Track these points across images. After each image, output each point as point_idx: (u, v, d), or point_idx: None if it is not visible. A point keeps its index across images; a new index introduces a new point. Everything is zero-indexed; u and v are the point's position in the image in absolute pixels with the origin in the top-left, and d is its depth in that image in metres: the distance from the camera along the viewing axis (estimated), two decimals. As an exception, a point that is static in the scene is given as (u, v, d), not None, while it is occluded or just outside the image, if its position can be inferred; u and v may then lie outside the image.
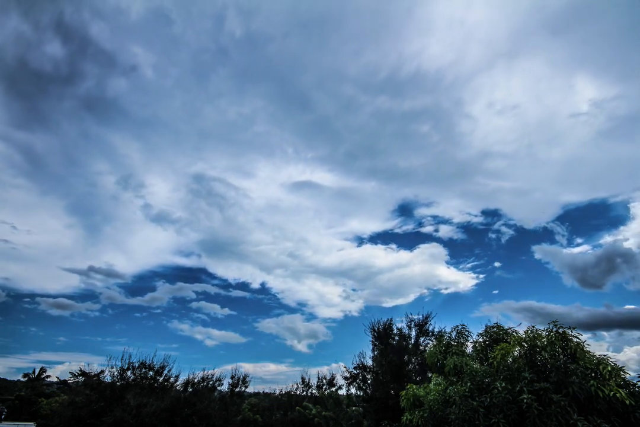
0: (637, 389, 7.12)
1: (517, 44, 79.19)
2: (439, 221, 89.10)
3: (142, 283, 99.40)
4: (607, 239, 77.84)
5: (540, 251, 79.43)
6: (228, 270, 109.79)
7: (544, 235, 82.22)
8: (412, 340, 16.88)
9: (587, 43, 72.41)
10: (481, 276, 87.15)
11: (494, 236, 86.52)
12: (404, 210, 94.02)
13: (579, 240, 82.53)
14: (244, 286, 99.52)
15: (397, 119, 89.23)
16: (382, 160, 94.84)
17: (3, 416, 41.63)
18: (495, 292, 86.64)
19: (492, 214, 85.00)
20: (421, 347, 16.46)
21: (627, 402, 6.63)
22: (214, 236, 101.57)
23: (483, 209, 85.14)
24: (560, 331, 8.16)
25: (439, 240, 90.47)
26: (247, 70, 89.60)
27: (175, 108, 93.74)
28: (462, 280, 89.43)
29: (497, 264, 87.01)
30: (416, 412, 8.94)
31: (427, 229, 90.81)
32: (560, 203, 77.85)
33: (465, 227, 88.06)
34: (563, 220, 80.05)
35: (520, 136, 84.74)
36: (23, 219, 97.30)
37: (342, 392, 20.76)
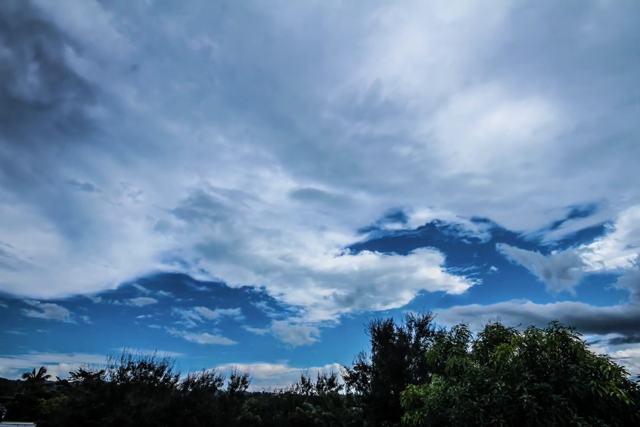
0: (637, 389, 7.12)
1: (485, 73, 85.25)
2: (431, 227, 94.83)
3: (135, 287, 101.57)
4: (582, 247, 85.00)
5: (526, 257, 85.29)
6: (223, 274, 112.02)
7: (530, 242, 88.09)
8: (412, 340, 16.88)
9: (547, 73, 78.68)
10: (473, 280, 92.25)
11: (484, 242, 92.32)
12: (396, 217, 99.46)
13: (559, 249, 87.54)
14: (240, 289, 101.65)
15: (377, 142, 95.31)
16: (368, 178, 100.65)
17: (3, 416, 41.62)
18: (487, 295, 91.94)
19: (481, 223, 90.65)
20: (421, 347, 16.45)
21: (627, 402, 6.63)
22: (209, 241, 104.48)
23: (473, 217, 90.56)
24: (560, 331, 8.16)
25: (433, 245, 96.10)
26: (232, 97, 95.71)
27: (162, 131, 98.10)
28: (455, 284, 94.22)
29: (488, 268, 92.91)
30: (416, 412, 8.93)
31: (421, 235, 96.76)
32: (545, 215, 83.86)
33: (457, 234, 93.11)
34: (548, 230, 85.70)
35: (498, 159, 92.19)
36: (8, 229, 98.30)
37: (342, 392, 20.79)
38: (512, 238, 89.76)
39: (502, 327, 10.01)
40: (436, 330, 16.61)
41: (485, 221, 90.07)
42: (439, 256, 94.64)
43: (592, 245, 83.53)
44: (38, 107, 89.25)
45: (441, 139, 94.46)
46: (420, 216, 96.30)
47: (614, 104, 72.92)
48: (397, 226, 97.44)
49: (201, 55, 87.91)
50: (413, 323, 17.17)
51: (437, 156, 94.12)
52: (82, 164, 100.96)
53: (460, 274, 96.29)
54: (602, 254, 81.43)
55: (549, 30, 72.43)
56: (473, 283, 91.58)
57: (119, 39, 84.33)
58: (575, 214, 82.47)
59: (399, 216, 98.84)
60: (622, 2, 64.79)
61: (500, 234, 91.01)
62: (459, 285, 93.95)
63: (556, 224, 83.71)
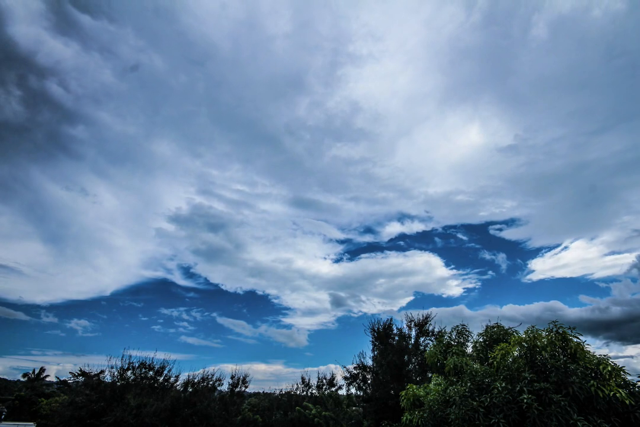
0: (637, 389, 7.12)
1: (451, 101, 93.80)
2: (426, 233, 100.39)
3: (129, 292, 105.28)
4: (563, 254, 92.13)
5: (515, 264, 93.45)
6: (218, 278, 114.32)
7: (519, 250, 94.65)
8: (412, 340, 16.89)
9: (504, 101, 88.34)
10: (469, 284, 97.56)
11: (477, 248, 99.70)
12: (389, 225, 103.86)
13: (544, 256, 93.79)
14: (236, 293, 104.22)
15: (358, 162, 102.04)
16: (355, 193, 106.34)
17: (3, 416, 41.58)
18: (480, 298, 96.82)
19: (472, 232, 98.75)
20: (421, 347, 16.45)
21: (627, 402, 6.62)
22: (204, 247, 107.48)
23: (465, 224, 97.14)
24: (560, 331, 8.17)
25: (428, 251, 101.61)
26: (220, 121, 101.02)
27: (150, 150, 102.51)
28: (451, 287, 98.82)
29: (482, 273, 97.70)
30: (416, 412, 8.93)
31: (415, 241, 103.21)
32: (532, 226, 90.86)
33: (450, 241, 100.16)
34: (535, 239, 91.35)
35: (478, 179, 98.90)
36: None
37: (342, 392, 20.80)
38: (503, 246, 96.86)
39: (502, 327, 10.03)
40: (436, 330, 16.63)
41: (475, 230, 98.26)
42: (434, 261, 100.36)
43: (573, 252, 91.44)
44: (22, 129, 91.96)
45: (418, 161, 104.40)
46: (414, 224, 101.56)
47: (582, 130, 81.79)
48: (392, 232, 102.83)
49: (186, 87, 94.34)
50: (413, 323, 17.19)
51: (419, 176, 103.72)
52: (68, 178, 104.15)
53: (455, 278, 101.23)
54: (584, 261, 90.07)
55: (501, 62, 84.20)
56: (468, 287, 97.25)
57: (105, 76, 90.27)
58: (559, 225, 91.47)
59: (391, 224, 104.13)
60: (557, 34, 74.79)
61: (492, 242, 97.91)
62: (455, 288, 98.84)
63: (542, 234, 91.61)
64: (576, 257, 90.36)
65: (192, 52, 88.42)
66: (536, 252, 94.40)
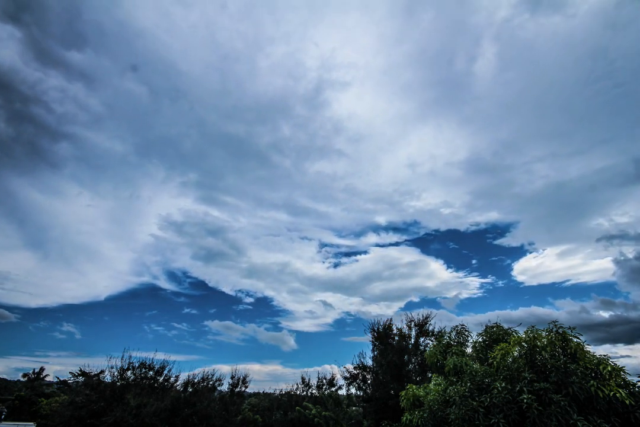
0: (637, 389, 7.12)
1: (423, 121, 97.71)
2: (416, 240, 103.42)
3: (126, 296, 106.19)
4: (544, 261, 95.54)
5: (507, 270, 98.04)
6: (214, 281, 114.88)
7: (508, 255, 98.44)
8: (412, 340, 16.89)
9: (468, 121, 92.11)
10: (463, 287, 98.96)
11: (471, 255, 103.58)
12: (384, 230, 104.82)
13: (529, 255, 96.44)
14: (236, 294, 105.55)
15: (342, 178, 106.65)
16: (346, 204, 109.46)
17: (3, 416, 41.58)
18: (471, 302, 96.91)
19: (463, 239, 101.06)
20: (421, 347, 16.46)
21: (627, 402, 6.62)
22: (202, 252, 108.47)
23: (455, 233, 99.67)
24: (560, 331, 8.16)
25: (423, 253, 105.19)
26: (211, 139, 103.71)
27: (142, 167, 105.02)
28: (448, 290, 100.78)
29: (478, 277, 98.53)
30: (416, 412, 8.93)
31: (410, 245, 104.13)
32: (522, 235, 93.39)
33: (444, 247, 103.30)
34: (527, 245, 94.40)
35: (463, 194, 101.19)
36: None
37: (342, 392, 20.79)
38: (494, 252, 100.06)
39: (502, 327, 10.03)
40: (435, 330, 16.63)
41: (464, 238, 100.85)
42: (433, 266, 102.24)
43: (559, 259, 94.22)
44: (4, 145, 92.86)
45: (403, 176, 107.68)
46: (400, 234, 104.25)
47: (561, 151, 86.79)
48: (387, 237, 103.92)
49: (175, 113, 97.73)
50: (413, 323, 17.19)
51: (407, 189, 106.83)
52: (50, 188, 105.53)
53: (451, 281, 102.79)
54: (569, 267, 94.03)
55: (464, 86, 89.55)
56: (462, 291, 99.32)
57: (93, 105, 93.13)
58: (545, 235, 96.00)
59: (383, 231, 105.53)
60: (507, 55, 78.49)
61: (483, 249, 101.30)
62: (452, 292, 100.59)
63: (529, 243, 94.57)
64: (562, 263, 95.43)
65: (179, 82, 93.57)
66: (524, 256, 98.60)
